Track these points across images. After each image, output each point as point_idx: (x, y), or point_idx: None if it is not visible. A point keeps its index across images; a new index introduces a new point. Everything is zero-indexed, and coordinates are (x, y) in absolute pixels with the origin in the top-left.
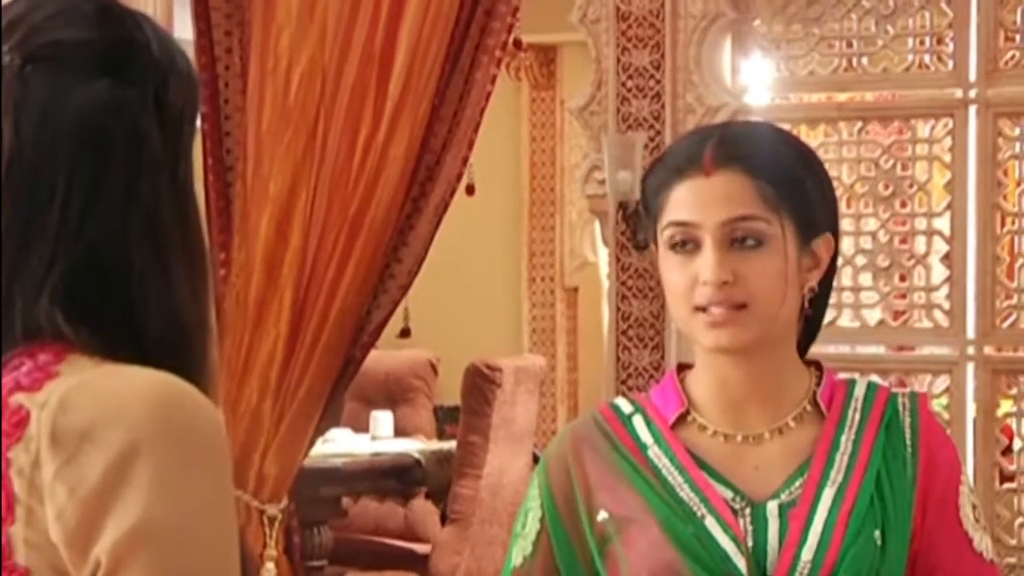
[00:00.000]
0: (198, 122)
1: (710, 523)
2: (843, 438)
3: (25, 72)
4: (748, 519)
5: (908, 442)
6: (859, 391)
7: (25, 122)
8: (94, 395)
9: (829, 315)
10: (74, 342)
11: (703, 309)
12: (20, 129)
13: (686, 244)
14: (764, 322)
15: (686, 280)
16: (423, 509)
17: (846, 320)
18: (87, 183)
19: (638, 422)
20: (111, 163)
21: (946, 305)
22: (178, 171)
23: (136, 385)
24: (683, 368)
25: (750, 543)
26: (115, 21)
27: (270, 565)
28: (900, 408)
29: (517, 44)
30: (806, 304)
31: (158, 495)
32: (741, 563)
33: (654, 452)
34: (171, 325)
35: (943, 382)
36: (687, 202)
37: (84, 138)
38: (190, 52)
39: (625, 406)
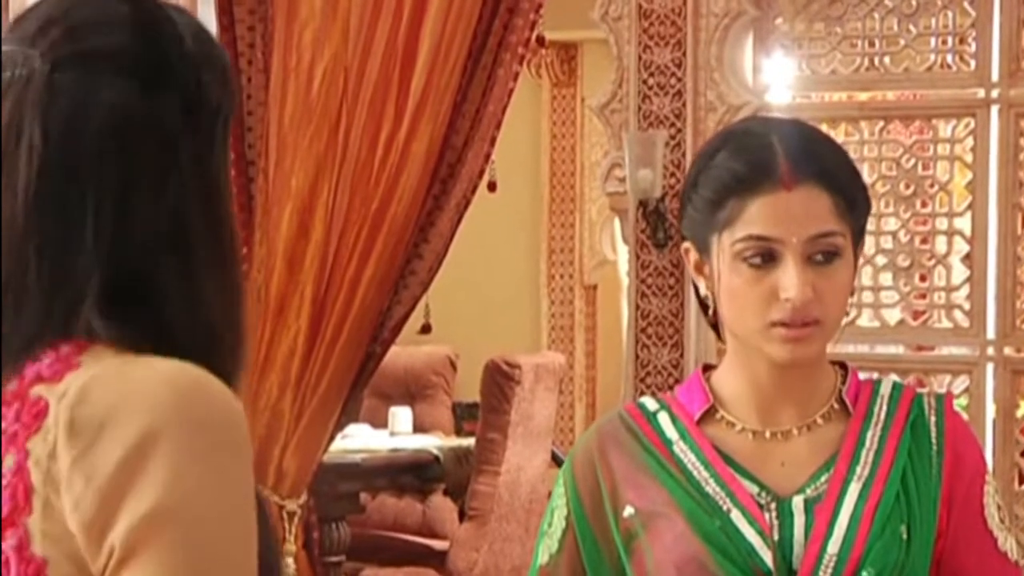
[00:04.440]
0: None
1: (736, 516)
2: (869, 434)
3: (54, 79)
4: (774, 513)
5: (934, 441)
6: (885, 390)
7: (53, 129)
8: (112, 384)
9: (849, 314)
10: (105, 341)
11: (781, 324)
12: (49, 136)
13: (760, 258)
14: (832, 334)
15: (762, 294)
16: (441, 505)
17: (866, 320)
18: (116, 190)
19: (663, 418)
20: (139, 169)
21: (966, 305)
22: (209, 169)
23: (155, 374)
24: (709, 368)
25: (776, 537)
26: (149, 23)
27: (289, 560)
28: (926, 407)
29: (540, 41)
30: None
31: (175, 483)
32: (767, 556)
33: (679, 447)
34: (198, 327)
35: (962, 382)
36: (768, 217)
37: (111, 145)
38: None
39: (651, 404)
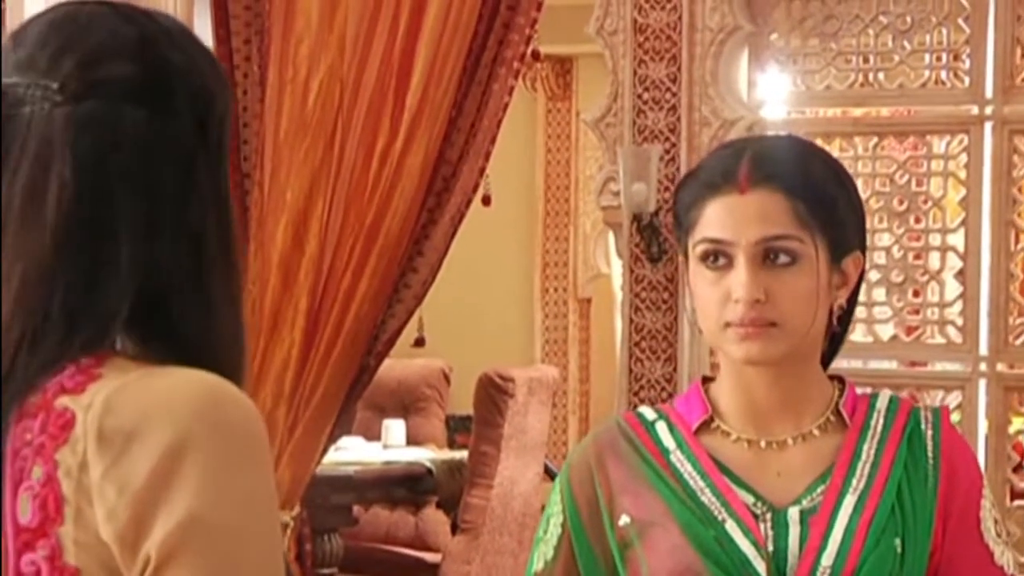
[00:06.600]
0: None
1: (731, 527)
2: (865, 447)
3: (76, 112)
4: (769, 524)
5: (930, 455)
6: (881, 403)
7: (84, 162)
8: (138, 395)
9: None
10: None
11: (735, 324)
12: (79, 169)
13: (718, 260)
14: (793, 339)
15: (718, 296)
16: (434, 518)
17: (859, 335)
18: (144, 216)
19: (661, 428)
20: (163, 192)
21: (959, 321)
22: (218, 180)
23: (179, 384)
24: (708, 380)
25: (770, 548)
26: (157, 48)
27: None
28: (922, 421)
29: (535, 55)
30: (834, 321)
31: (205, 491)
32: (761, 567)
33: (676, 457)
34: (211, 336)
35: (955, 398)
36: (721, 219)
37: (136, 173)
38: None
39: (649, 413)
